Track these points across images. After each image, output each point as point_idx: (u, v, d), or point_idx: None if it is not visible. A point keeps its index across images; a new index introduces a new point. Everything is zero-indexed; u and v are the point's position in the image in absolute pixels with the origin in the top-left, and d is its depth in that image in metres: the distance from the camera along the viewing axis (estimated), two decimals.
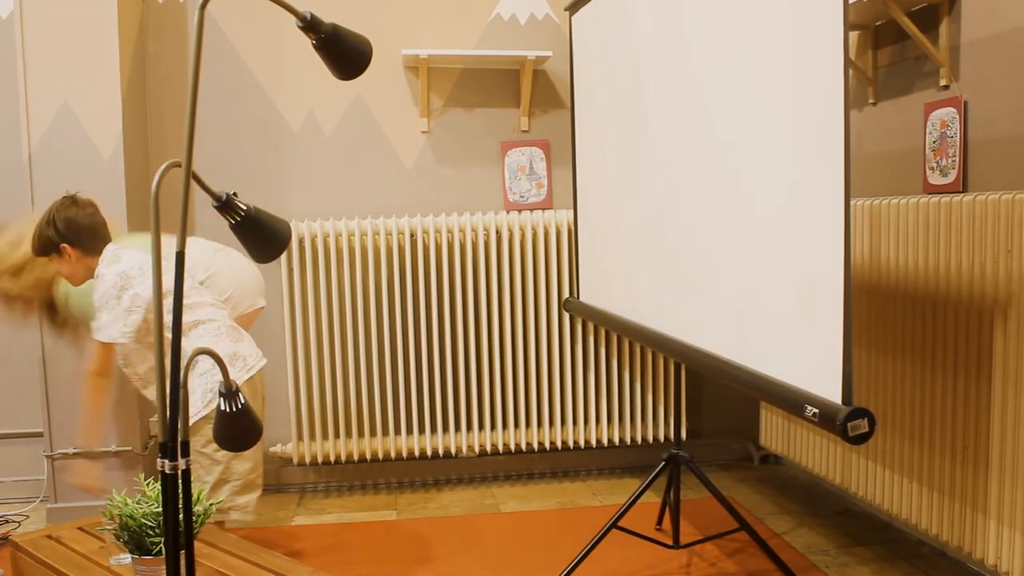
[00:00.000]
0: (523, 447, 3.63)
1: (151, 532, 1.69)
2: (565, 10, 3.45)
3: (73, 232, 2.48)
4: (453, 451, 3.59)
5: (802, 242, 1.88)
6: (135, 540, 1.71)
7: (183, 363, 1.24)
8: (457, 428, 3.57)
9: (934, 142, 2.62)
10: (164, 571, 1.30)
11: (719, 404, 3.83)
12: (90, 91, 3.15)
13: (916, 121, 2.73)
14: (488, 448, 3.60)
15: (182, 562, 1.30)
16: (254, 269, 2.85)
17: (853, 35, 3.01)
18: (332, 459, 3.55)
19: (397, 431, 3.57)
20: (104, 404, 2.64)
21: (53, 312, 2.87)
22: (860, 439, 1.70)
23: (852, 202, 2.71)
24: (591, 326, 3.60)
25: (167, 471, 1.24)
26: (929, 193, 2.57)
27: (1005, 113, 2.36)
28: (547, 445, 3.64)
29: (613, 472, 3.76)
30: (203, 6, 1.24)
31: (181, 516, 1.28)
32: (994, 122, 2.40)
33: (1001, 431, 2.19)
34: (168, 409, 1.22)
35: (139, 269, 2.44)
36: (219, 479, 2.47)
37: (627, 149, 2.83)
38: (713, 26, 2.20)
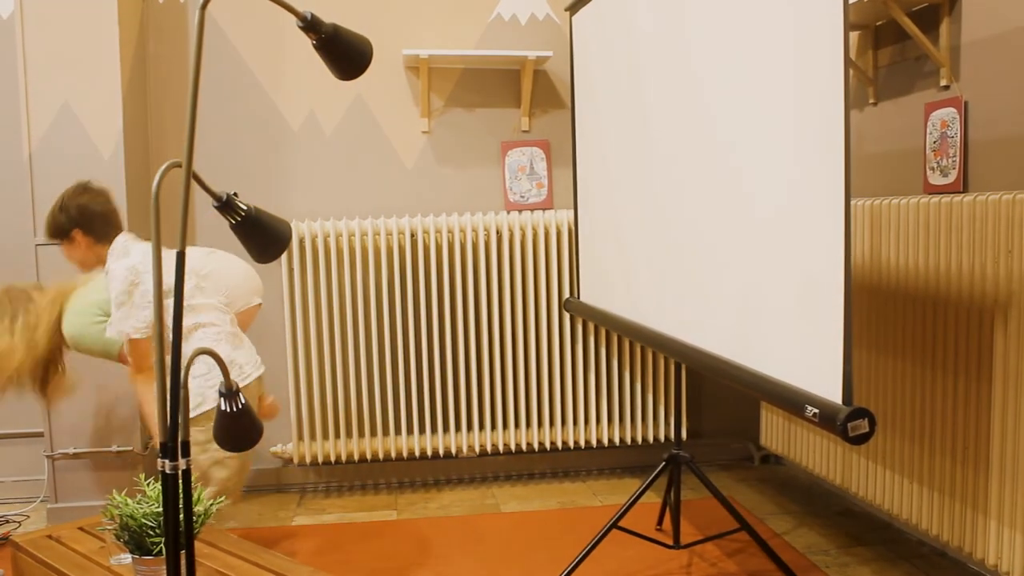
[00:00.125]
0: (523, 447, 3.63)
1: (151, 532, 1.69)
2: (565, 10, 3.45)
3: (85, 219, 2.47)
4: (453, 451, 3.59)
5: (802, 242, 1.88)
6: (135, 540, 1.71)
7: (183, 363, 1.24)
8: (457, 428, 3.57)
9: (934, 142, 2.62)
10: (164, 571, 1.30)
11: (719, 404, 3.83)
12: (90, 91, 3.16)
13: (916, 121, 2.73)
14: (488, 448, 3.60)
15: (182, 562, 1.30)
16: (248, 268, 2.85)
17: (853, 35, 3.01)
18: (332, 459, 3.55)
19: (397, 431, 3.57)
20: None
21: (49, 373, 2.81)
22: (860, 439, 1.69)
23: (852, 202, 2.71)
24: (591, 326, 3.60)
25: (167, 471, 1.24)
26: (929, 193, 2.57)
27: (1006, 113, 2.36)
28: (547, 445, 3.64)
29: (614, 472, 3.76)
30: (204, 6, 1.24)
31: (181, 516, 1.28)
32: (994, 122, 2.40)
33: (1001, 431, 2.19)
34: (168, 409, 1.22)
35: (148, 264, 2.43)
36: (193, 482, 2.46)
37: (627, 149, 2.83)
38: (713, 26, 2.20)
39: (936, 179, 2.62)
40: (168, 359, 1.23)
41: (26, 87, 3.12)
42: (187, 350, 2.37)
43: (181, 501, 1.27)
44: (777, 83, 1.93)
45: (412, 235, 3.50)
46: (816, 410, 1.77)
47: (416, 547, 2.97)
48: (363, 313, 3.49)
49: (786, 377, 1.95)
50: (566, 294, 3.56)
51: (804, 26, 1.82)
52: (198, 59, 1.22)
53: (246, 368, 2.56)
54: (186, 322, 2.44)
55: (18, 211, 3.31)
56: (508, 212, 3.59)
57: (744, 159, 2.09)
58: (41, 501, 3.45)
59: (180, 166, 1.25)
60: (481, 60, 3.59)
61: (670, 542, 2.71)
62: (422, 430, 3.57)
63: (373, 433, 3.56)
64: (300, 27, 1.33)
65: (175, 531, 1.26)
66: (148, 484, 1.80)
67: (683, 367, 2.94)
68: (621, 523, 2.63)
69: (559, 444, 3.63)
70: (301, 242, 3.43)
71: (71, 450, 3.23)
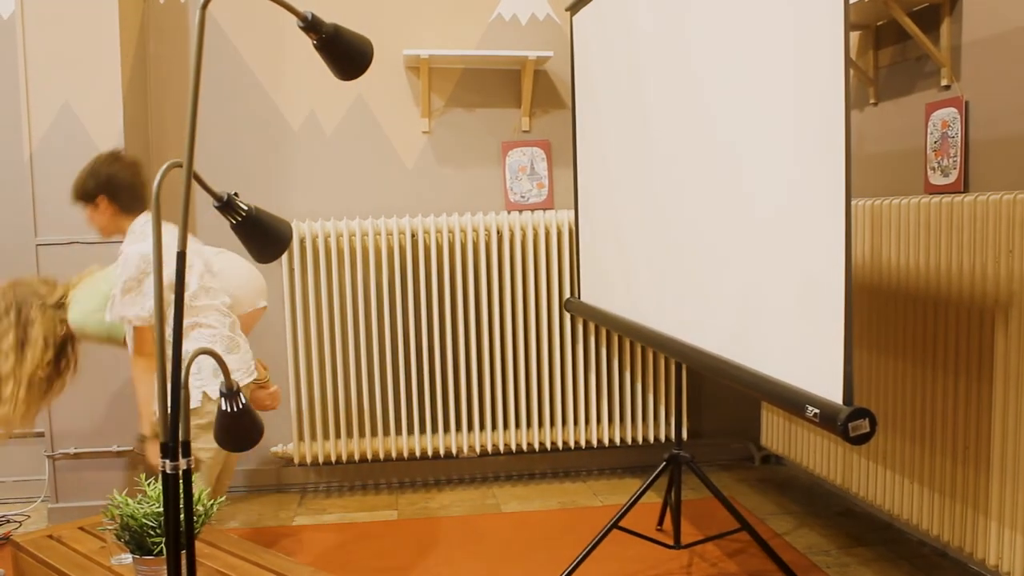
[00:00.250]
0: (524, 447, 3.63)
1: (152, 532, 1.69)
2: (566, 10, 3.45)
3: (112, 187, 2.47)
4: (454, 451, 3.59)
5: (803, 242, 1.88)
6: (136, 540, 1.71)
7: (184, 363, 1.24)
8: (458, 428, 3.58)
9: (935, 142, 2.62)
10: (165, 571, 1.29)
11: (720, 404, 3.83)
12: (91, 91, 3.16)
13: (917, 121, 2.73)
14: (489, 448, 3.60)
15: (183, 562, 1.30)
16: (253, 270, 2.85)
17: (854, 35, 3.01)
18: (333, 459, 3.55)
19: (398, 431, 3.57)
20: (153, 385, 2.60)
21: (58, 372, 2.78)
22: (861, 439, 1.69)
23: (853, 202, 2.70)
24: (592, 326, 3.60)
25: (168, 471, 1.24)
26: (930, 193, 2.57)
27: (1006, 113, 2.36)
28: (548, 445, 3.64)
29: (614, 472, 3.76)
30: (204, 6, 1.24)
31: (182, 516, 1.28)
32: (995, 122, 2.40)
33: (1002, 431, 2.19)
34: (169, 409, 1.22)
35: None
36: None
37: (628, 149, 2.83)
38: (714, 26, 2.20)
39: (937, 179, 2.62)
40: (168, 357, 1.23)
41: (27, 87, 3.12)
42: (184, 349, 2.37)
43: (182, 501, 1.27)
44: (777, 83, 1.93)
45: (413, 235, 3.50)
46: (817, 410, 1.77)
47: (417, 547, 2.97)
48: (364, 313, 3.49)
49: (786, 377, 1.95)
50: (567, 294, 3.56)
51: (804, 26, 1.82)
52: (199, 59, 1.22)
53: (235, 375, 2.55)
54: (186, 319, 2.44)
55: (19, 211, 3.31)
56: (509, 212, 3.58)
57: (744, 159, 2.09)
58: (42, 501, 3.45)
59: (181, 166, 1.25)
60: (482, 60, 3.59)
61: (671, 542, 2.71)
62: (423, 430, 3.57)
63: (374, 433, 3.56)
64: (301, 27, 1.33)
65: (176, 531, 1.26)
66: (149, 484, 1.80)
67: (683, 367, 2.94)
68: (622, 523, 2.63)
69: (560, 444, 3.63)
70: (302, 242, 3.43)
71: (72, 450, 3.23)
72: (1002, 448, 2.20)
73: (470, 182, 3.67)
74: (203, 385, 2.41)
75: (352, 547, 2.99)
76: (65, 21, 3.12)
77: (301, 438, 3.51)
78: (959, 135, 2.51)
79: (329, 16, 1.37)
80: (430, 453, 3.58)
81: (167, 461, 1.23)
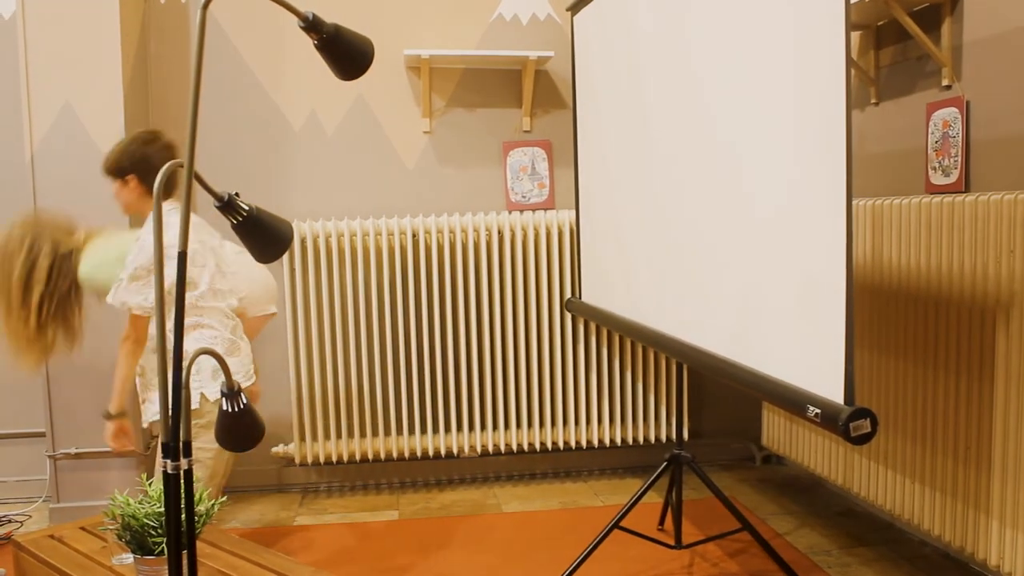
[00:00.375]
0: (525, 447, 3.63)
1: (153, 532, 1.69)
2: (567, 10, 3.45)
3: (143, 168, 2.46)
4: (455, 451, 3.59)
5: (803, 242, 1.88)
6: (137, 540, 1.71)
7: (185, 363, 1.24)
8: (459, 428, 3.58)
9: (936, 142, 2.62)
10: (166, 571, 1.30)
11: (721, 404, 3.83)
12: (92, 91, 3.16)
13: (918, 121, 2.72)
14: (490, 448, 3.60)
15: (184, 562, 1.30)
16: (269, 275, 2.84)
17: (855, 35, 3.01)
18: (334, 459, 3.55)
19: (399, 431, 3.57)
20: (133, 369, 2.59)
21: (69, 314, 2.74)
22: (862, 439, 1.69)
23: (854, 202, 2.70)
24: (593, 326, 3.59)
25: (169, 471, 1.24)
26: (931, 193, 2.56)
27: (1007, 113, 2.35)
28: (549, 445, 3.64)
29: (615, 472, 3.76)
30: (205, 6, 1.24)
31: (183, 516, 1.28)
32: (996, 122, 2.39)
33: (1003, 431, 2.19)
34: (170, 409, 1.22)
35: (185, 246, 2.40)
36: None
37: (628, 149, 2.83)
38: (714, 26, 2.20)
39: (938, 179, 2.62)
40: (169, 356, 1.23)
41: (28, 87, 3.13)
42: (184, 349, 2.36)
43: (183, 501, 1.27)
44: (778, 83, 1.93)
45: (413, 235, 3.50)
46: (818, 410, 1.77)
47: (418, 547, 2.97)
48: (364, 313, 3.49)
49: (787, 377, 1.95)
50: (568, 294, 3.56)
51: (805, 26, 1.82)
52: (199, 59, 1.23)
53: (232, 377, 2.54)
54: (189, 318, 2.43)
55: (19, 211, 3.30)
56: (509, 212, 3.58)
57: (745, 159, 2.09)
58: (43, 501, 3.46)
59: (182, 166, 1.25)
60: (482, 60, 3.59)
61: (672, 542, 2.71)
62: (424, 430, 3.57)
63: (375, 433, 3.57)
64: (301, 27, 1.33)
65: (177, 531, 1.26)
66: (150, 484, 1.80)
67: (684, 367, 2.94)
68: (623, 523, 2.63)
69: (561, 444, 3.63)
70: (302, 242, 3.43)
71: (73, 450, 3.23)
72: (1003, 448, 2.19)
73: (471, 182, 3.67)
74: (201, 386, 2.40)
75: (353, 547, 2.99)
76: (66, 21, 3.12)
77: (302, 438, 3.51)
78: (960, 135, 2.50)
79: (330, 16, 1.37)
80: (431, 453, 3.58)
81: (168, 461, 1.23)
